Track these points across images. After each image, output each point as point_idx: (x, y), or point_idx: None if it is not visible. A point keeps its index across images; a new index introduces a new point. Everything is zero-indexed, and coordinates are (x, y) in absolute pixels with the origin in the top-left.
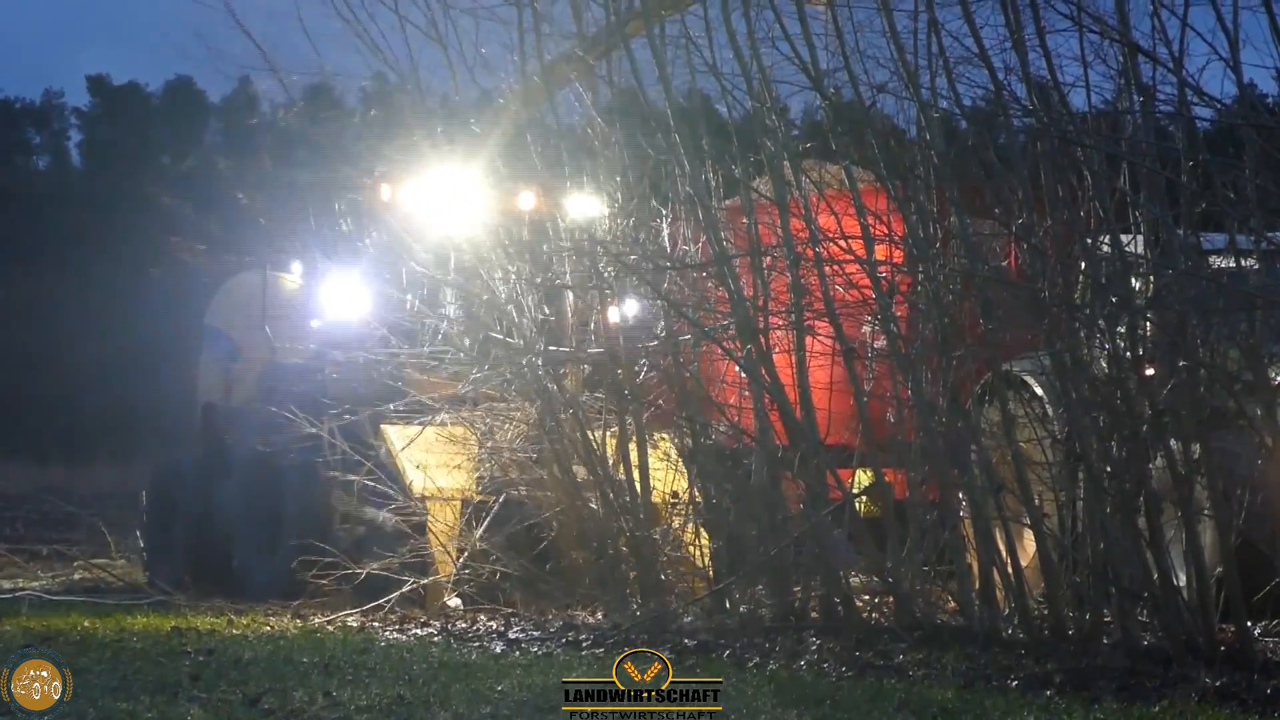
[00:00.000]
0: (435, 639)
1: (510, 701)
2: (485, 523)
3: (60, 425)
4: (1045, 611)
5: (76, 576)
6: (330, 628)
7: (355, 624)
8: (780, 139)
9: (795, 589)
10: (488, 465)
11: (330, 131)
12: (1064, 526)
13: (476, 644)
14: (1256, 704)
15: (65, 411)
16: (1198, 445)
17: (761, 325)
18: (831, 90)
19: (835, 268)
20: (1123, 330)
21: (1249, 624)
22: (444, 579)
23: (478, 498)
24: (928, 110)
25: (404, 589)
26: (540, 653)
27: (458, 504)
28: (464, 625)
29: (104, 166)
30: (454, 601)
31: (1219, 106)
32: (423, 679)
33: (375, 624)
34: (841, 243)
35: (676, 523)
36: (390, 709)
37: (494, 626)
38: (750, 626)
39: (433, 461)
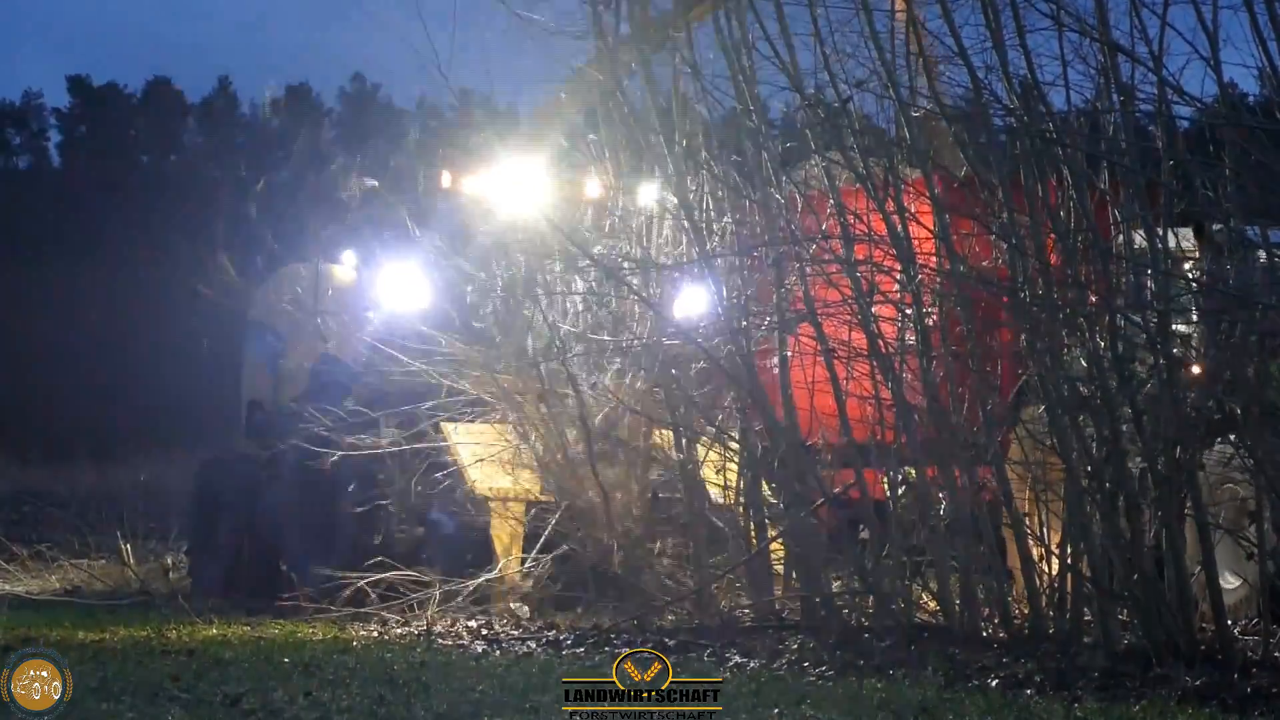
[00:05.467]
0: (416, 639)
1: (491, 701)
2: (551, 525)
3: (41, 425)
4: (1025, 611)
5: (55, 578)
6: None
7: (423, 632)
8: (760, 139)
9: (776, 589)
10: (552, 465)
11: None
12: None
13: (457, 644)
14: (1236, 703)
15: (46, 411)
16: (1179, 446)
17: (743, 325)
18: (811, 90)
19: (817, 267)
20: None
21: (1228, 623)
22: (508, 582)
23: (542, 498)
24: (907, 109)
25: (468, 592)
26: (521, 652)
27: (521, 505)
28: (444, 626)
29: (83, 166)
30: (520, 607)
31: (1199, 106)
32: (403, 679)
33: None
34: (822, 242)
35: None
36: (371, 709)
37: (474, 626)
38: (731, 626)
39: (495, 460)
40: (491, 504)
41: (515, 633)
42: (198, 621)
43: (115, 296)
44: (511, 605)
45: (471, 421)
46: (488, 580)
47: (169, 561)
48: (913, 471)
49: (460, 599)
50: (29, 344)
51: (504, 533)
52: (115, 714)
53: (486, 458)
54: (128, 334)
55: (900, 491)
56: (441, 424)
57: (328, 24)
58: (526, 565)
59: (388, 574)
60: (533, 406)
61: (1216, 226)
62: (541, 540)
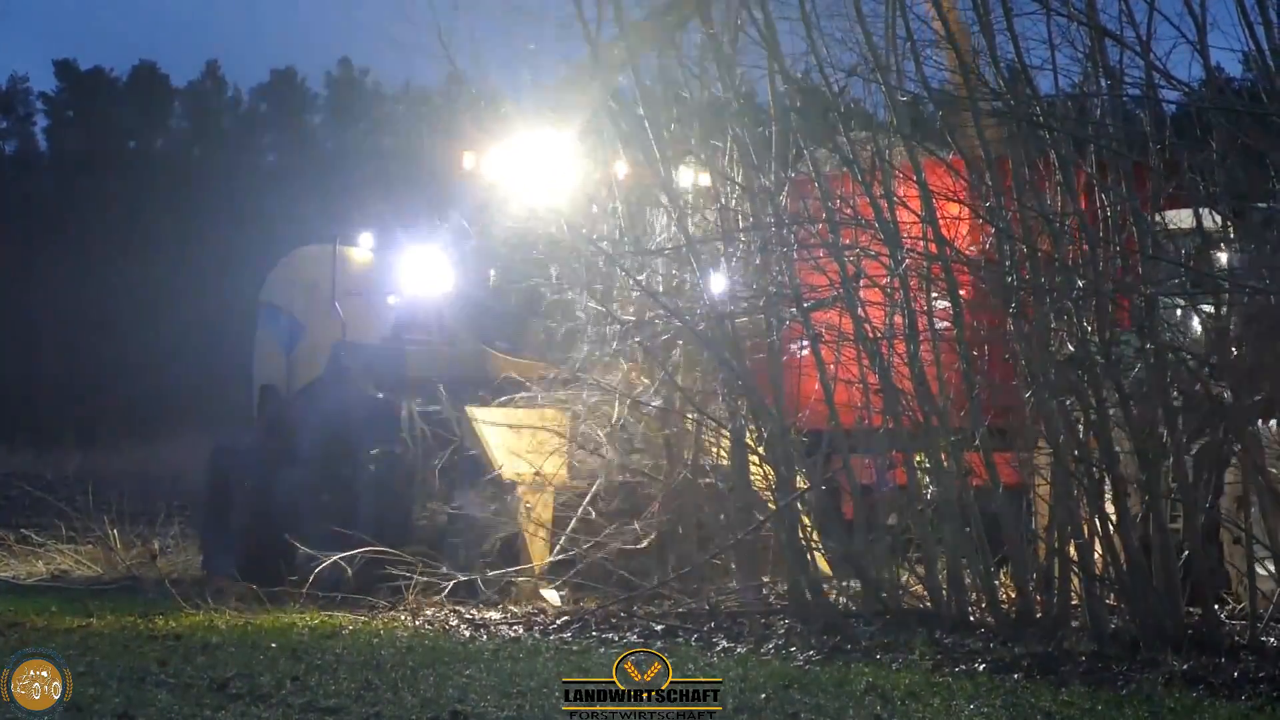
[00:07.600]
0: (402, 624)
1: (478, 686)
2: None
3: (29, 409)
4: (1013, 595)
5: (42, 563)
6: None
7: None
8: (745, 124)
9: (763, 574)
10: (581, 450)
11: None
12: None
13: (443, 629)
14: (1223, 687)
15: (34, 395)
16: (1166, 429)
17: (729, 309)
18: (798, 74)
19: (804, 252)
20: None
21: (1215, 608)
22: (538, 571)
23: (571, 483)
24: (894, 94)
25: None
26: (507, 637)
27: (550, 490)
28: (430, 610)
29: (70, 150)
30: (550, 594)
31: (1186, 90)
32: (390, 664)
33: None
34: (809, 227)
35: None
36: (358, 693)
37: (460, 611)
38: (718, 610)
39: (522, 446)
40: (519, 490)
41: (502, 618)
42: (185, 607)
43: (102, 281)
44: (543, 592)
45: (497, 406)
46: (517, 568)
47: (156, 546)
48: (919, 457)
49: (487, 586)
50: (16, 328)
51: (532, 518)
52: (102, 699)
53: (519, 444)
54: (115, 318)
55: (887, 475)
56: (467, 408)
57: (315, 8)
58: (556, 551)
59: (414, 562)
60: (560, 391)
61: (1260, 205)
62: (570, 526)
